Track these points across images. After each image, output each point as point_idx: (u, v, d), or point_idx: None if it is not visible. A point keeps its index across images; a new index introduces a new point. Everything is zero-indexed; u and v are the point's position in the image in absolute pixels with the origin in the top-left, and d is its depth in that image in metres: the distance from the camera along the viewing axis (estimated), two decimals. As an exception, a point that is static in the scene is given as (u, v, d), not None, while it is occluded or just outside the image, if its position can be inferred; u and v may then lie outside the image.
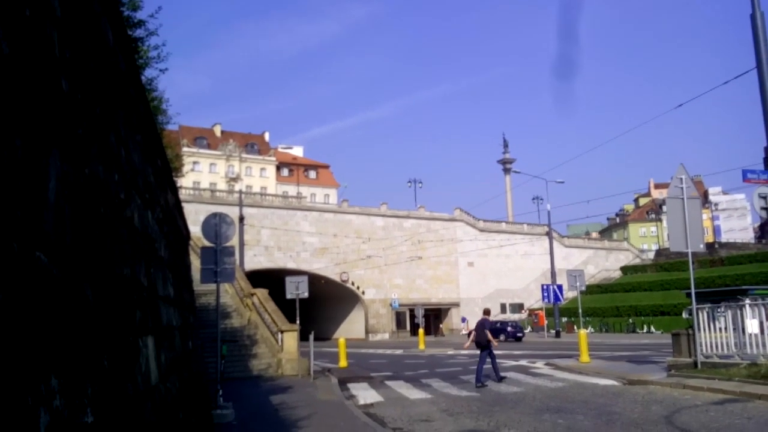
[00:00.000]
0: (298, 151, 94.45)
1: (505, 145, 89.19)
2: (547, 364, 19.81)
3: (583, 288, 29.53)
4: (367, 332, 57.46)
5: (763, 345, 13.02)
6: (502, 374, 16.22)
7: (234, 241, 13.35)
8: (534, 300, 61.17)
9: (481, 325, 16.19)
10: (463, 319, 59.27)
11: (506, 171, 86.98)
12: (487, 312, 16.98)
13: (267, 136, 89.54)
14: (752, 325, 13.60)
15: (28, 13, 2.10)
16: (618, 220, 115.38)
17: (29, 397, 1.81)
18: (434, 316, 62.05)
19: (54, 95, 2.40)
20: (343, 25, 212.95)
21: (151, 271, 5.42)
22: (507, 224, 69.31)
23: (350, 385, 16.25)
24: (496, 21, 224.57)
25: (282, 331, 20.85)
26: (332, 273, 55.75)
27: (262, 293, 23.67)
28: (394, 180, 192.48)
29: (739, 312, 13.84)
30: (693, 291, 14.73)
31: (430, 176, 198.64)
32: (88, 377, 2.54)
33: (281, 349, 20.65)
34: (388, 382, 16.75)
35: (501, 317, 57.24)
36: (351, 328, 58.28)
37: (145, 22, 12.69)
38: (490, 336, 15.96)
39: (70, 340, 2.35)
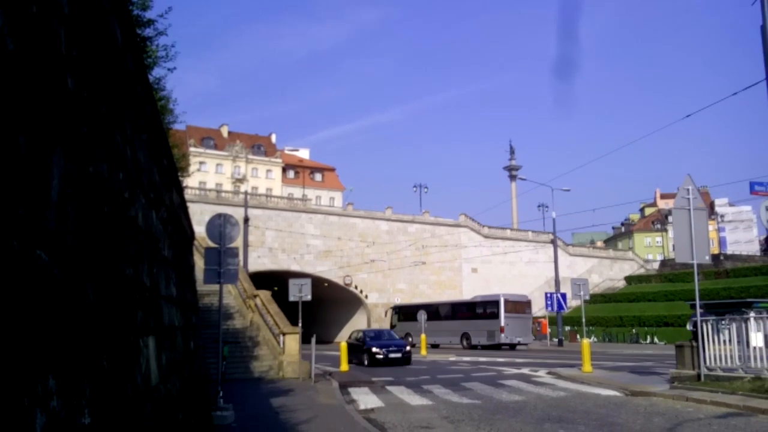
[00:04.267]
0: (304, 154, 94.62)
1: (512, 152, 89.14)
2: (549, 373, 19.72)
3: (587, 297, 29.30)
4: (369, 336, 57.32)
5: (768, 359, 12.94)
6: (504, 382, 16.17)
7: (238, 242, 13.32)
8: (537, 308, 60.88)
9: None
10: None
11: (512, 178, 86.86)
12: None
13: (274, 138, 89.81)
14: (757, 339, 13.51)
15: (34, 9, 2.08)
16: (623, 229, 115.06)
17: (25, 398, 1.79)
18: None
19: (59, 93, 2.39)
20: (353, 29, 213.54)
21: (153, 271, 5.40)
22: (512, 231, 69.19)
23: (351, 390, 16.20)
24: (505, 26, 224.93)
25: (284, 334, 20.82)
26: (336, 276, 55.72)
27: (264, 295, 23.65)
28: (399, 184, 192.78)
29: (743, 325, 13.75)
30: (698, 302, 14.66)
31: (436, 181, 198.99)
32: (86, 377, 2.52)
33: (283, 352, 20.62)
34: (389, 388, 16.70)
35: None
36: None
37: (154, 21, 12.73)
38: None
39: (69, 339, 2.33)
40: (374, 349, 25.83)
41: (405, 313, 47.90)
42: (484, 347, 38.96)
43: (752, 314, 14.66)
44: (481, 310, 40.86)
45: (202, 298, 21.97)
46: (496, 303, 39.63)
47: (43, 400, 1.93)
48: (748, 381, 12.88)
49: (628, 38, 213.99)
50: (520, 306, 40.48)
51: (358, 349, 26.73)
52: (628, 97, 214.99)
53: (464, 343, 41.05)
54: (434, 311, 43.01)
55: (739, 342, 13.79)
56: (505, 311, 38.92)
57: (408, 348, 26.46)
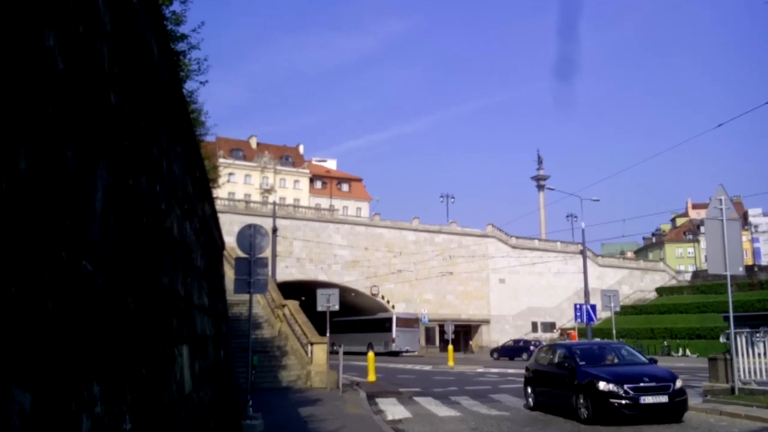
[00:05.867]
0: (331, 164, 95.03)
1: (540, 162, 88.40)
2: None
3: (618, 308, 28.97)
4: (396, 347, 57.38)
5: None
6: None
7: (266, 253, 13.44)
8: (566, 319, 60.28)
9: None
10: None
11: (540, 188, 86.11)
12: None
13: (301, 149, 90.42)
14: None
15: (81, 29, 2.17)
16: (654, 240, 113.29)
17: (73, 403, 1.86)
18: (464, 333, 61.56)
19: (103, 108, 2.47)
20: (379, 40, 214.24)
21: (187, 281, 5.50)
22: (540, 241, 68.58)
23: (378, 400, 16.20)
24: (532, 36, 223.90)
25: (312, 343, 20.90)
26: (362, 286, 55.76)
27: (293, 305, 23.77)
28: (426, 194, 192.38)
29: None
30: (731, 314, 14.38)
31: (463, 191, 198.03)
32: (127, 384, 2.59)
33: (311, 361, 20.69)
34: (417, 398, 16.66)
35: (532, 336, 56.57)
36: (380, 342, 58.27)
37: (187, 36, 12.97)
38: None
39: (111, 347, 2.40)
40: (604, 386, 11.81)
41: (334, 325, 54.34)
42: (382, 354, 47.98)
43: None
44: (381, 324, 51.01)
45: (231, 308, 22.15)
46: (390, 320, 50.17)
47: (89, 405, 2.00)
48: (784, 395, 12.59)
49: (657, 50, 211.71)
50: (409, 322, 51.03)
51: (557, 381, 13.46)
52: (660, 106, 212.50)
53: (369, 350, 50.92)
54: (351, 324, 53.09)
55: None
56: (397, 326, 49.57)
57: (679, 384, 12.07)
